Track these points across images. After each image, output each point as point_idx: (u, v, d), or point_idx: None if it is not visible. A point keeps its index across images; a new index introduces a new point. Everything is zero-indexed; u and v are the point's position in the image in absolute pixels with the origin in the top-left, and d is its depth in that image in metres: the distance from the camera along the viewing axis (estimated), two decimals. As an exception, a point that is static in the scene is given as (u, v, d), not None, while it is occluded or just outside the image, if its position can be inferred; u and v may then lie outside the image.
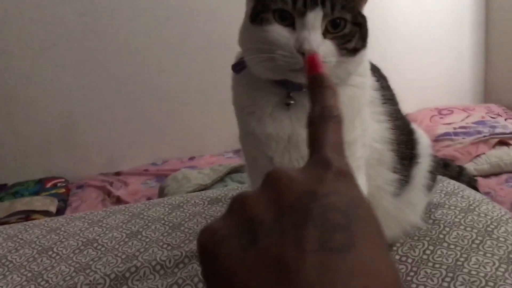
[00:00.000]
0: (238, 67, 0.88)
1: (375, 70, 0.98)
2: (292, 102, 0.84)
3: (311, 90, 0.47)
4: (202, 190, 2.28)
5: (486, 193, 2.31)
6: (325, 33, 0.77)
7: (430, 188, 1.13)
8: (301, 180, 0.37)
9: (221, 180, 2.52)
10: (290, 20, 0.76)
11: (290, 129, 0.84)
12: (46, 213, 2.51)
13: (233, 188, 1.45)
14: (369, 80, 0.91)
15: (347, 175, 0.38)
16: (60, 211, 2.63)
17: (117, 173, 3.07)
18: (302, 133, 0.83)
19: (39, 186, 2.87)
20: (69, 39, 2.80)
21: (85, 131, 3.00)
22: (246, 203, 0.37)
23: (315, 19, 0.74)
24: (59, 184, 2.91)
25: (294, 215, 0.35)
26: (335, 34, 0.77)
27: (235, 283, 0.33)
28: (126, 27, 2.86)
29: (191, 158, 3.16)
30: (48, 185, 2.89)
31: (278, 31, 0.76)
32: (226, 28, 2.90)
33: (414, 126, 1.11)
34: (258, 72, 0.83)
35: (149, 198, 2.69)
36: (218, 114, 2.88)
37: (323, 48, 0.75)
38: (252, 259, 0.34)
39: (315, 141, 0.42)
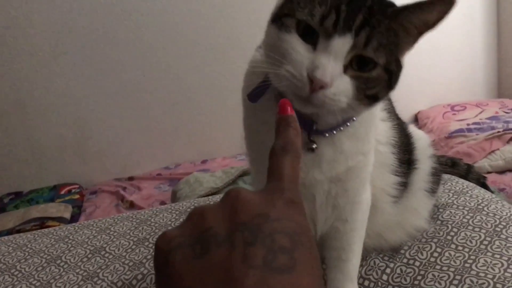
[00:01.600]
0: (255, 95, 0.77)
1: None
2: (315, 146, 0.77)
3: (277, 126, 0.51)
4: (215, 193, 2.29)
5: (501, 189, 2.28)
6: (348, 67, 0.65)
7: (433, 191, 1.11)
8: (257, 202, 0.41)
9: (233, 182, 2.52)
10: (314, 38, 0.65)
11: (305, 173, 0.81)
12: (61, 220, 2.54)
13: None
14: None
15: (297, 204, 0.43)
16: (74, 217, 2.65)
17: (130, 178, 3.09)
18: (317, 177, 0.82)
19: (53, 193, 2.90)
20: (80, 46, 2.82)
21: (98, 137, 3.02)
22: (204, 214, 0.41)
23: (341, 46, 0.63)
24: (73, 191, 2.93)
25: (246, 233, 0.38)
26: (359, 73, 0.66)
27: None
28: (137, 33, 2.87)
29: (204, 161, 3.17)
30: (63, 191, 2.92)
31: (295, 44, 0.65)
32: (237, 31, 2.92)
33: (411, 129, 1.09)
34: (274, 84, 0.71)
35: (162, 202, 2.70)
36: (229, 117, 2.89)
37: (338, 84, 0.64)
38: (202, 268, 0.37)
39: (275, 171, 0.46)
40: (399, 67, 0.70)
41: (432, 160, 1.10)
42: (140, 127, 3.06)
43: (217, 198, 1.42)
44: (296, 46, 0.65)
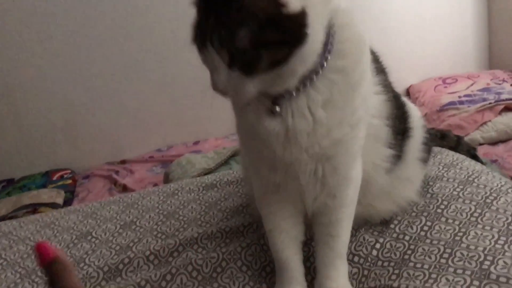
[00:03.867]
0: None
1: None
2: (277, 110, 0.79)
3: (49, 278, 0.48)
4: (207, 174, 2.27)
5: (494, 161, 2.27)
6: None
7: (425, 160, 1.10)
8: None
9: (225, 163, 2.50)
10: None
11: (285, 125, 0.80)
12: (53, 206, 2.51)
13: (228, 172, 1.42)
14: (357, 57, 0.83)
15: None
16: (67, 203, 2.63)
17: (123, 161, 3.06)
18: (298, 126, 0.79)
19: (45, 179, 2.87)
20: (66, 30, 2.77)
21: (88, 121, 2.98)
22: None
23: (209, 58, 0.71)
24: (65, 176, 2.91)
25: None
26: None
27: None
28: (124, 14, 2.82)
29: (196, 142, 3.14)
30: (55, 177, 2.89)
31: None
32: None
33: (404, 99, 1.07)
34: None
35: (155, 185, 2.68)
36: (221, 97, 2.86)
37: (231, 84, 0.72)
38: None
39: None
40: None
41: (423, 130, 1.09)
42: (130, 110, 3.02)
43: (210, 177, 1.41)
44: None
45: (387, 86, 0.96)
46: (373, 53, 0.96)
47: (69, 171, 2.95)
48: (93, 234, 1.18)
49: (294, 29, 0.69)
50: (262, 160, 0.89)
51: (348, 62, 0.80)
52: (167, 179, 2.52)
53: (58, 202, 2.56)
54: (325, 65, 0.77)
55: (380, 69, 0.95)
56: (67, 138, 2.98)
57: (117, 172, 2.91)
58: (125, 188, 2.72)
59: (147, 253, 1.06)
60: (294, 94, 0.77)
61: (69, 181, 2.84)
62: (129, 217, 1.23)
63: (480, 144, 2.45)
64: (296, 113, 0.79)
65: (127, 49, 2.88)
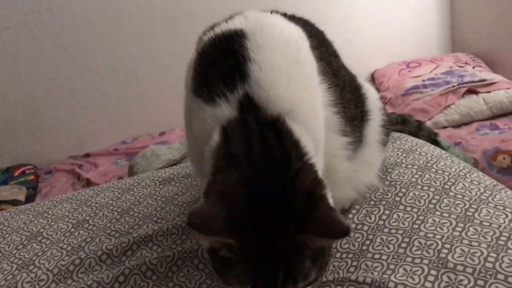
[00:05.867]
0: None
1: (308, 25, 0.92)
2: None
3: None
4: (173, 165, 2.23)
5: (457, 143, 2.28)
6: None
7: (384, 143, 1.09)
8: None
9: (191, 153, 2.45)
10: None
11: None
12: (15, 203, 2.45)
13: (186, 165, 1.39)
14: None
15: None
16: (30, 199, 2.56)
17: (87, 155, 3.00)
18: None
19: (7, 175, 2.80)
20: (23, 20, 2.68)
21: (49, 115, 2.90)
22: None
23: None
24: (27, 171, 2.83)
25: None
26: None
27: None
28: (84, 3, 2.75)
29: (161, 133, 3.09)
30: (16, 173, 2.81)
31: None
32: (189, 1, 2.84)
33: (360, 80, 1.05)
34: None
35: (120, 178, 2.63)
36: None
37: None
38: None
39: None
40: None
41: (381, 113, 1.08)
42: (93, 102, 2.95)
43: (167, 171, 1.37)
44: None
45: (328, 73, 0.92)
46: (318, 36, 0.94)
47: (31, 166, 2.87)
48: (44, 234, 1.13)
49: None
50: None
51: None
52: (131, 172, 2.47)
53: (19, 199, 2.49)
54: None
55: (320, 56, 0.91)
56: (28, 133, 2.90)
57: (80, 166, 2.85)
58: (88, 182, 2.66)
59: (99, 252, 1.02)
60: None
61: (32, 177, 2.76)
62: (81, 215, 1.19)
63: (444, 127, 2.47)
64: None
65: (88, 41, 2.81)
